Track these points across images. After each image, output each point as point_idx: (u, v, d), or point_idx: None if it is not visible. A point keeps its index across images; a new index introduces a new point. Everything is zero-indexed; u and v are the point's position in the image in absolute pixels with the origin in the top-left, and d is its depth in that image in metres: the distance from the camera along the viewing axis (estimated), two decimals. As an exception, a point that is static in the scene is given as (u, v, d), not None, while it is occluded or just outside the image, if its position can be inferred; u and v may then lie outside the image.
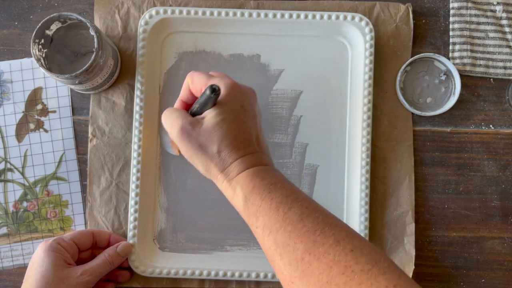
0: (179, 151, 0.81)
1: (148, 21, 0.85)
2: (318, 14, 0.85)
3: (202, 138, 0.65)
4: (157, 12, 0.85)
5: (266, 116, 0.86)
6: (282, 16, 0.85)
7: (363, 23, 0.85)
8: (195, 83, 0.69)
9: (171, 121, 0.67)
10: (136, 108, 0.84)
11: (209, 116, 0.65)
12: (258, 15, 0.85)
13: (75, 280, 0.75)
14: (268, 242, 0.60)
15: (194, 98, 0.71)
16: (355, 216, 0.84)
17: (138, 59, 0.85)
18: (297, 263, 0.57)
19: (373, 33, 0.85)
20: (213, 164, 0.66)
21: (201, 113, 0.67)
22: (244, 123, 0.66)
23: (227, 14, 0.85)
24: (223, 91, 0.66)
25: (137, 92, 0.85)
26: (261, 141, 0.68)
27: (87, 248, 0.82)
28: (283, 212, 0.60)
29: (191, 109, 0.69)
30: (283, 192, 0.62)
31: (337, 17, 0.85)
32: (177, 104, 0.73)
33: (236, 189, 0.64)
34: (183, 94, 0.72)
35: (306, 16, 0.85)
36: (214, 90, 0.62)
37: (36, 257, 0.76)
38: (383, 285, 0.52)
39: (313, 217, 0.59)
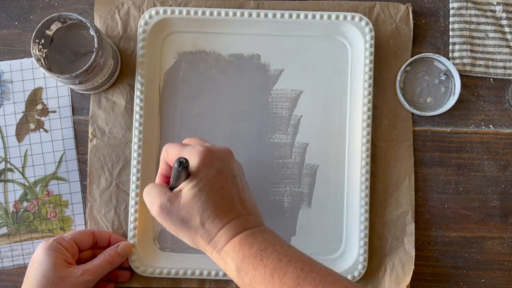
0: None
1: (148, 21, 0.85)
2: (318, 14, 0.85)
3: (183, 212, 0.64)
4: (157, 12, 0.85)
5: (266, 116, 0.86)
6: (282, 16, 0.85)
7: (363, 23, 0.85)
8: (169, 156, 0.68)
9: (150, 199, 0.66)
10: (136, 108, 0.84)
11: (186, 188, 0.64)
12: (258, 15, 0.85)
13: (75, 280, 0.75)
14: None
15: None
16: (355, 216, 0.84)
17: (138, 59, 0.85)
18: None
19: (373, 33, 0.85)
20: (199, 236, 0.65)
21: (177, 187, 0.66)
22: (223, 189, 0.65)
23: (227, 14, 0.85)
24: (195, 160, 0.64)
25: (137, 92, 0.85)
26: (245, 201, 0.67)
27: (87, 248, 0.82)
28: (278, 279, 0.59)
29: (170, 183, 0.68)
30: (275, 257, 0.61)
31: (337, 17, 0.85)
32: (158, 178, 0.72)
33: (226, 260, 0.64)
34: (161, 168, 0.71)
35: (306, 16, 0.85)
36: (181, 163, 0.61)
37: (37, 257, 0.76)
38: None
39: (310, 278, 0.59)
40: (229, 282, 0.85)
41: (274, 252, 0.62)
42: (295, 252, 0.63)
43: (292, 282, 0.59)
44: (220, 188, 0.65)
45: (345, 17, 0.85)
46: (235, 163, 0.69)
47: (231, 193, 0.65)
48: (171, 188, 0.67)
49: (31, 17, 0.88)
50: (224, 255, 0.63)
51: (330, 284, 0.58)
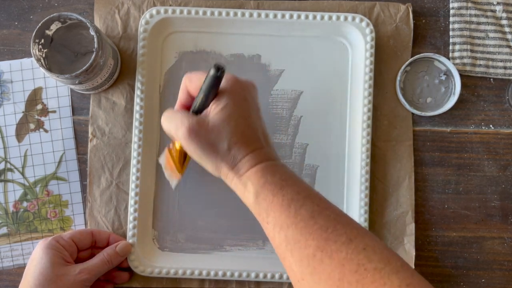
0: (180, 173, 0.79)
1: (149, 21, 0.85)
2: (318, 15, 0.85)
3: (212, 135, 0.64)
4: (158, 12, 0.85)
5: (266, 116, 0.86)
6: (283, 16, 0.85)
7: (363, 23, 0.85)
8: (193, 83, 0.67)
9: (176, 123, 0.65)
10: (137, 107, 0.84)
11: (214, 112, 0.64)
12: (259, 15, 0.85)
13: (72, 278, 0.75)
14: (279, 238, 0.60)
15: (193, 99, 0.69)
16: (355, 216, 0.84)
17: (139, 59, 0.85)
18: (308, 260, 0.56)
19: (373, 34, 0.85)
20: (224, 162, 0.65)
21: (204, 106, 0.66)
22: (250, 118, 0.65)
23: (227, 14, 0.85)
24: (224, 86, 0.64)
25: (137, 92, 0.85)
26: (267, 136, 0.68)
27: (86, 248, 0.81)
28: (294, 209, 0.59)
29: (193, 107, 0.67)
30: (295, 189, 0.61)
31: (338, 18, 0.85)
32: (177, 107, 0.71)
33: (247, 185, 0.64)
34: (181, 97, 0.70)
35: (306, 17, 0.85)
36: (219, 68, 0.60)
37: (35, 255, 0.76)
38: (396, 284, 0.52)
39: (324, 215, 0.59)
40: (228, 282, 0.85)
41: (294, 185, 0.62)
42: (312, 189, 0.63)
43: (307, 214, 0.59)
44: (247, 117, 0.65)
45: (345, 18, 0.85)
46: (257, 97, 0.69)
47: (256, 124, 0.66)
48: (194, 113, 0.67)
49: (31, 17, 0.88)
50: (246, 179, 0.64)
51: (343, 222, 0.58)
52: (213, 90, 0.64)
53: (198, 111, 0.67)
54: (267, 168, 0.63)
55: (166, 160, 0.78)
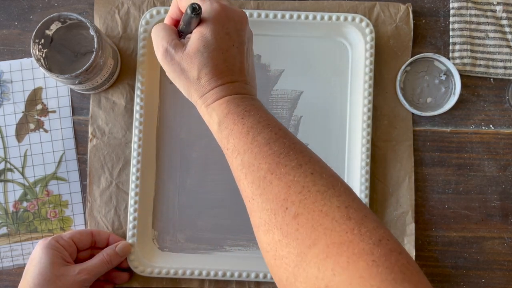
0: None
1: (149, 21, 0.85)
2: (318, 15, 0.85)
3: (184, 63, 0.65)
4: (158, 12, 0.85)
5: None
6: (283, 16, 0.85)
7: (363, 24, 0.85)
8: (182, 1, 0.67)
9: (157, 41, 0.67)
10: (137, 107, 0.84)
11: (192, 40, 0.65)
12: (259, 15, 0.85)
13: (72, 278, 0.75)
14: (236, 162, 0.62)
15: (182, 14, 0.69)
16: (355, 216, 0.84)
17: (139, 59, 0.85)
18: (259, 181, 0.59)
19: (373, 34, 0.85)
20: (193, 89, 0.66)
21: (187, 32, 0.67)
22: (227, 52, 0.65)
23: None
24: (209, 15, 0.65)
25: (137, 92, 0.84)
26: (244, 70, 0.68)
27: (86, 248, 0.81)
28: (252, 136, 0.62)
29: (179, 26, 0.68)
30: (256, 118, 0.63)
31: (338, 18, 0.85)
32: (167, 19, 0.71)
33: (212, 115, 0.65)
34: (172, 10, 0.70)
35: (306, 17, 0.85)
36: (194, 9, 0.61)
37: (35, 255, 0.76)
38: (335, 205, 0.54)
39: (280, 142, 0.61)
40: (228, 282, 0.85)
41: (256, 115, 0.64)
42: (275, 121, 0.65)
43: (263, 141, 0.61)
44: (224, 50, 0.65)
45: (345, 18, 0.85)
46: (246, 30, 0.68)
47: (233, 59, 0.66)
48: (179, 32, 0.68)
49: (31, 17, 0.88)
50: (211, 110, 0.65)
51: (297, 150, 0.61)
52: (192, 23, 0.65)
53: (182, 33, 0.68)
54: (233, 100, 0.65)
55: None
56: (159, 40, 0.67)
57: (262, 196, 0.58)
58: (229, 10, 0.66)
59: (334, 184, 0.57)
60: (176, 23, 0.71)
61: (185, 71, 0.65)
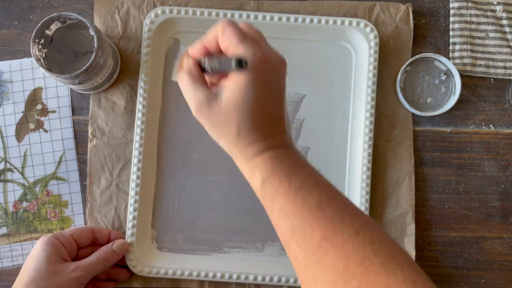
0: None
1: (154, 20, 0.85)
2: (323, 19, 0.85)
3: (221, 118, 0.61)
4: (163, 12, 0.85)
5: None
6: (288, 19, 0.85)
7: (368, 29, 0.85)
8: (225, 38, 0.62)
9: (189, 95, 0.63)
10: (139, 107, 0.84)
11: (229, 92, 0.60)
12: (264, 18, 0.85)
13: (66, 275, 0.75)
14: (284, 226, 0.59)
15: (219, 49, 0.64)
16: (355, 216, 0.84)
17: (142, 58, 0.85)
18: (314, 249, 0.56)
19: (377, 40, 0.85)
20: (231, 143, 0.62)
21: (218, 71, 0.62)
22: (267, 104, 0.62)
23: (232, 16, 0.85)
24: (250, 61, 0.59)
25: (140, 91, 0.84)
26: (283, 119, 0.64)
27: (86, 245, 0.82)
28: (301, 198, 0.58)
29: (210, 63, 0.62)
30: (302, 177, 0.60)
31: (342, 22, 0.85)
32: (197, 47, 0.65)
33: (254, 171, 0.61)
34: (208, 39, 0.64)
35: (311, 21, 0.85)
36: (241, 65, 0.56)
37: (34, 251, 0.77)
38: (401, 279, 0.51)
39: (332, 205, 0.58)
40: (228, 284, 0.85)
41: (303, 173, 0.61)
42: (321, 177, 0.62)
43: (314, 204, 0.57)
44: (264, 103, 0.61)
45: (350, 23, 0.85)
46: (285, 78, 0.65)
47: (273, 110, 0.62)
48: (210, 68, 0.63)
49: (31, 17, 0.88)
50: (253, 165, 0.61)
51: (351, 214, 0.57)
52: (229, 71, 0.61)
53: (210, 69, 0.63)
54: (276, 155, 0.61)
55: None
56: (190, 97, 0.63)
57: (318, 266, 0.55)
58: (271, 59, 0.62)
59: (396, 255, 0.54)
60: (207, 51, 0.65)
61: (222, 126, 0.61)
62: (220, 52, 0.63)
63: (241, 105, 0.60)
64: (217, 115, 0.61)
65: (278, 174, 0.60)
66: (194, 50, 0.65)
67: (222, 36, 0.62)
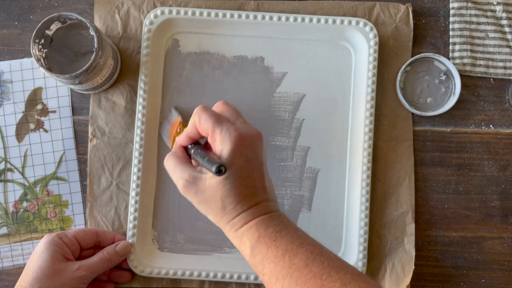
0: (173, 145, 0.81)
1: (153, 21, 0.85)
2: (322, 18, 0.85)
3: (206, 194, 0.66)
4: (162, 12, 0.85)
5: (269, 118, 0.87)
6: (287, 19, 0.85)
7: (367, 28, 0.85)
8: (202, 125, 0.67)
9: (175, 178, 0.68)
10: (139, 107, 0.84)
11: (213, 176, 0.65)
12: (263, 17, 0.85)
13: (70, 274, 0.75)
14: None
15: (200, 135, 0.70)
16: (355, 220, 0.84)
17: (142, 59, 0.85)
18: None
19: (377, 39, 0.85)
20: (219, 217, 0.67)
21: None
22: (248, 178, 0.66)
23: (231, 15, 0.85)
24: (226, 147, 0.65)
25: (140, 92, 0.84)
26: (266, 188, 0.68)
27: (89, 247, 0.82)
28: (289, 259, 0.62)
29: (194, 157, 0.69)
30: (288, 239, 0.64)
31: (342, 22, 0.85)
32: (182, 138, 0.72)
33: (242, 239, 0.66)
34: (190, 131, 0.70)
35: (310, 20, 0.85)
36: (220, 171, 0.62)
37: (37, 249, 0.77)
38: None
39: (318, 261, 0.61)
40: (228, 283, 0.85)
41: (288, 235, 0.64)
42: (306, 236, 0.65)
43: (301, 263, 0.61)
44: (245, 177, 0.66)
45: (349, 22, 0.85)
46: (262, 148, 0.69)
47: (255, 182, 0.67)
48: (193, 153, 0.69)
49: (31, 17, 0.88)
50: (240, 234, 0.66)
51: (337, 268, 0.61)
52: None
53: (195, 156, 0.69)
54: (262, 222, 0.65)
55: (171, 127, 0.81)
56: (177, 178, 0.68)
57: None
58: (247, 136, 0.67)
59: None
60: (192, 141, 0.71)
61: (208, 202, 0.66)
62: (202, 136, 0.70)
63: (224, 182, 0.65)
64: (203, 193, 0.66)
65: (264, 240, 0.64)
66: (180, 140, 0.72)
67: (198, 124, 0.68)
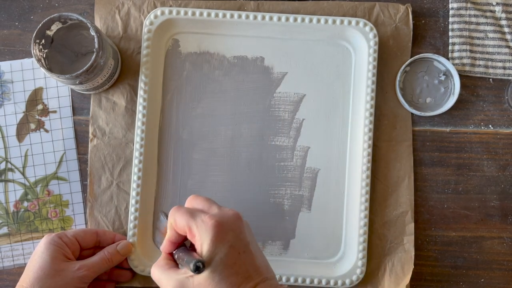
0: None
1: (153, 21, 0.85)
2: (322, 19, 0.85)
3: None
4: (162, 13, 0.85)
5: (268, 118, 0.87)
6: (287, 19, 0.85)
7: (367, 28, 0.85)
8: (178, 225, 0.65)
9: (163, 285, 0.65)
10: (139, 107, 0.84)
11: (199, 275, 0.62)
12: (263, 18, 0.85)
13: (71, 274, 0.75)
14: None
15: (181, 236, 0.68)
16: (354, 220, 0.84)
17: (142, 59, 0.85)
18: None
19: (377, 39, 0.85)
20: None
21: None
22: (236, 265, 0.63)
23: (231, 16, 0.85)
24: (206, 240, 0.62)
25: (140, 92, 0.85)
26: (259, 267, 0.65)
27: (89, 247, 0.82)
28: None
29: (178, 260, 0.67)
30: None
31: (341, 22, 0.85)
32: (165, 245, 0.69)
33: None
34: (169, 234, 0.68)
35: (310, 20, 0.85)
36: (198, 268, 0.59)
37: (37, 249, 0.77)
38: None
39: None
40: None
41: None
42: None
43: None
44: (233, 264, 0.63)
45: (349, 22, 0.85)
46: (245, 228, 0.66)
47: (245, 265, 0.63)
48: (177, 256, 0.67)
49: (32, 17, 0.88)
50: None
51: None
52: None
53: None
54: None
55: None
56: (163, 282, 0.65)
57: None
58: (224, 220, 0.64)
59: None
60: (175, 246, 0.69)
61: None
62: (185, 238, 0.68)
63: (212, 276, 0.61)
64: None
65: None
66: (163, 248, 0.69)
67: (175, 225, 0.66)
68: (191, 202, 0.69)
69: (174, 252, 0.68)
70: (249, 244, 0.65)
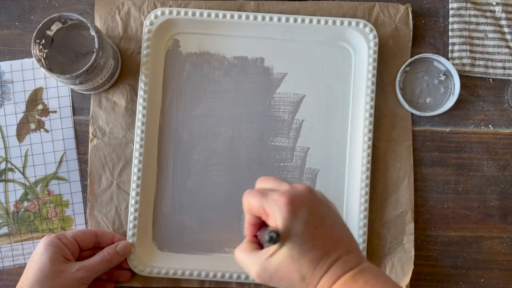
0: None
1: (153, 22, 0.85)
2: (322, 19, 0.85)
3: (281, 274, 0.61)
4: (162, 13, 0.85)
5: (268, 119, 0.87)
6: (287, 20, 0.85)
7: (367, 29, 0.85)
8: (253, 208, 0.65)
9: (247, 266, 0.64)
10: (139, 108, 0.84)
11: (278, 252, 0.61)
12: (263, 18, 0.85)
13: (70, 275, 0.75)
14: None
15: (259, 218, 0.66)
16: (354, 220, 0.84)
17: (142, 59, 0.85)
18: None
19: (377, 40, 0.85)
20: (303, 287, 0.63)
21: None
22: (314, 239, 0.62)
23: (232, 16, 0.85)
24: (280, 217, 0.61)
25: (140, 92, 0.85)
26: (340, 240, 0.64)
27: (88, 248, 0.82)
28: None
29: (260, 238, 0.66)
30: None
31: (341, 23, 0.85)
32: (247, 229, 0.68)
33: None
34: (247, 218, 0.67)
35: (310, 21, 0.85)
36: (272, 238, 0.59)
37: (37, 251, 0.77)
38: None
39: None
40: (228, 283, 0.85)
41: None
42: (396, 285, 0.62)
43: None
44: (310, 239, 0.61)
45: (349, 23, 0.85)
46: (318, 201, 0.64)
47: (323, 239, 0.62)
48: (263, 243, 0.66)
49: (32, 17, 0.88)
50: None
51: None
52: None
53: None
54: (345, 283, 0.61)
55: None
56: (249, 268, 0.64)
57: None
58: (296, 197, 0.62)
59: None
60: (256, 227, 0.68)
61: (286, 280, 0.62)
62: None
63: (291, 254, 0.61)
64: (276, 273, 0.62)
65: None
66: (246, 232, 0.68)
67: (250, 208, 0.65)
68: (261, 183, 0.68)
69: (257, 234, 0.67)
70: (326, 217, 0.64)
